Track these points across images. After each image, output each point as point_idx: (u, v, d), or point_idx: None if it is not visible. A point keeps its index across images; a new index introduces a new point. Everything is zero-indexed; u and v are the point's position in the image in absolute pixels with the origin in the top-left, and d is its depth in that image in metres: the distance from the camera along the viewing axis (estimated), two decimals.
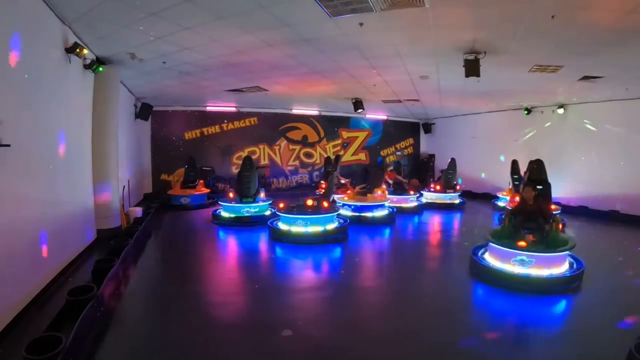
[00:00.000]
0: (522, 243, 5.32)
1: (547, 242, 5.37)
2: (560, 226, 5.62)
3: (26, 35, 4.16)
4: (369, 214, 9.51)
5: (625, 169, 9.91)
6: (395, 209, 10.24)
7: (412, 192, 11.56)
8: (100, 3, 4.68)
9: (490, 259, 5.62)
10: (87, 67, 6.38)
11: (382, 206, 9.86)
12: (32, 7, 4.38)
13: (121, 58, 7.06)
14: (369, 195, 10.08)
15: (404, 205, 11.16)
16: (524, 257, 5.20)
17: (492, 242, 5.56)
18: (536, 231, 5.51)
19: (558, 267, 5.18)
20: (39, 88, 4.56)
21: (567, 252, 5.26)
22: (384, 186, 11.56)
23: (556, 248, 5.20)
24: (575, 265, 5.37)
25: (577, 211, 10.77)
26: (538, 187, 6.17)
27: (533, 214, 5.69)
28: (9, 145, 3.57)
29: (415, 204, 11.38)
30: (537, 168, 6.74)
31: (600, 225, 9.42)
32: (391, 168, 12.64)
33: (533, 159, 11.31)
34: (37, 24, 4.50)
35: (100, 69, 6.68)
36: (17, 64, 3.93)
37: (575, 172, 11.25)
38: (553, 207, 8.36)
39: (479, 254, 5.93)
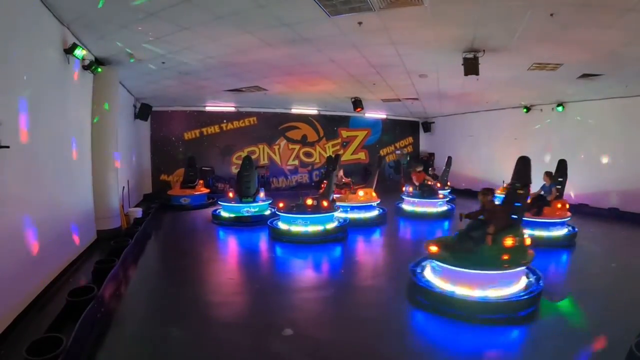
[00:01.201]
0: (432, 248, 4.60)
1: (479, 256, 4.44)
2: (511, 240, 4.45)
3: (24, 36, 4.15)
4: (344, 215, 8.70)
5: (625, 166, 9.92)
6: (386, 210, 9.88)
7: (441, 196, 10.48)
8: (98, 3, 4.67)
9: (430, 276, 4.76)
10: (86, 67, 6.38)
11: (368, 207, 9.46)
12: (30, 7, 4.37)
13: (120, 58, 7.06)
14: (350, 195, 9.60)
15: (431, 210, 10.19)
16: (435, 265, 4.65)
17: (433, 257, 4.67)
18: (479, 241, 4.63)
19: (495, 289, 4.24)
20: (38, 89, 4.55)
21: (493, 272, 4.29)
22: (409, 186, 10.78)
23: (491, 264, 4.30)
24: (530, 288, 4.41)
25: (577, 209, 10.77)
26: (519, 191, 5.04)
27: (485, 220, 4.85)
28: (8, 147, 3.57)
29: (445, 207, 10.41)
30: (521, 167, 5.22)
31: (600, 223, 9.43)
32: (420, 169, 11.17)
33: (532, 157, 11.39)
34: (35, 25, 4.49)
35: (99, 69, 6.67)
36: (15, 65, 3.93)
37: (575, 170, 11.22)
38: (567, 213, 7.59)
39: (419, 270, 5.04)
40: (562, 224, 7.53)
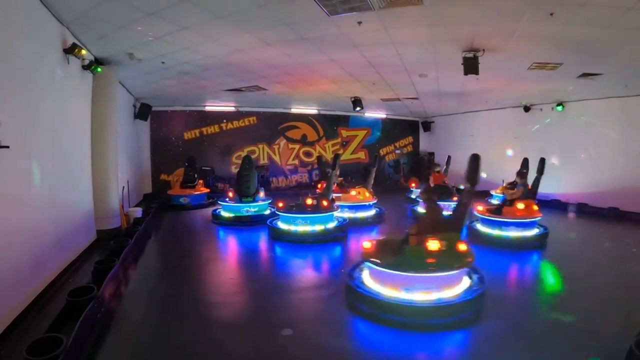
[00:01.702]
0: (365, 244, 4.50)
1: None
2: (434, 243, 4.29)
3: (24, 36, 4.15)
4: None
5: (624, 166, 9.92)
6: (383, 210, 9.72)
7: (455, 198, 9.10)
8: (98, 3, 4.67)
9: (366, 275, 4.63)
10: (85, 67, 6.37)
11: (363, 207, 9.31)
12: (29, 7, 4.37)
13: (120, 58, 7.05)
14: (344, 195, 9.33)
15: (446, 214, 9.34)
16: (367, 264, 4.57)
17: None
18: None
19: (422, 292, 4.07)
20: (37, 89, 4.55)
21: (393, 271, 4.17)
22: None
23: (413, 266, 4.15)
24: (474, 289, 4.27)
25: (577, 208, 10.78)
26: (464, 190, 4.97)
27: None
28: (7, 147, 3.57)
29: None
30: (471, 166, 5.01)
31: (599, 223, 9.42)
32: (438, 169, 10.40)
33: (531, 156, 11.37)
34: (34, 25, 4.49)
35: (99, 69, 6.66)
36: (15, 65, 3.93)
37: (575, 169, 11.26)
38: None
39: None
40: (528, 224, 7.25)
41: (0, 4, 3.62)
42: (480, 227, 7.65)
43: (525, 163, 11.30)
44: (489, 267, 4.97)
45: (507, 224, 7.26)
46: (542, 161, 7.95)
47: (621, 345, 3.08)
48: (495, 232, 7.30)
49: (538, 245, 7.04)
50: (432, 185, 10.09)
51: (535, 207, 7.41)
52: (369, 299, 4.13)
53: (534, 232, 7.31)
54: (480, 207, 7.78)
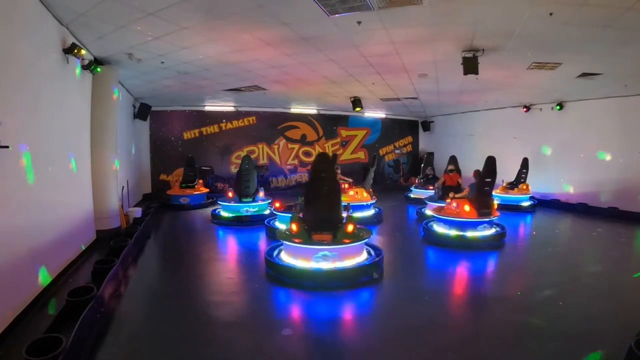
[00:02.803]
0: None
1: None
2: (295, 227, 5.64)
3: (23, 36, 4.15)
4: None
5: (624, 165, 9.93)
6: (381, 210, 9.71)
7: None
8: (97, 3, 4.67)
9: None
10: (85, 67, 6.37)
11: (361, 207, 9.20)
12: (29, 7, 4.37)
13: (119, 58, 7.05)
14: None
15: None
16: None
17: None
18: None
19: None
20: (37, 89, 4.54)
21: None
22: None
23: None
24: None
25: (577, 208, 10.79)
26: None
27: None
28: (7, 147, 3.57)
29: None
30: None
31: (598, 223, 9.43)
32: (452, 168, 9.80)
33: (531, 156, 11.39)
34: (34, 25, 4.49)
35: (99, 69, 6.66)
36: (15, 65, 3.92)
37: (574, 169, 11.27)
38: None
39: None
40: (468, 224, 7.15)
41: None
42: (435, 226, 7.73)
43: (525, 163, 11.36)
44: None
45: (441, 221, 7.46)
46: (492, 160, 7.40)
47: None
48: (441, 230, 7.38)
49: (486, 246, 6.96)
50: (437, 186, 9.95)
51: (467, 208, 7.15)
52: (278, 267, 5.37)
53: (488, 232, 7.22)
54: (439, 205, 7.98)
